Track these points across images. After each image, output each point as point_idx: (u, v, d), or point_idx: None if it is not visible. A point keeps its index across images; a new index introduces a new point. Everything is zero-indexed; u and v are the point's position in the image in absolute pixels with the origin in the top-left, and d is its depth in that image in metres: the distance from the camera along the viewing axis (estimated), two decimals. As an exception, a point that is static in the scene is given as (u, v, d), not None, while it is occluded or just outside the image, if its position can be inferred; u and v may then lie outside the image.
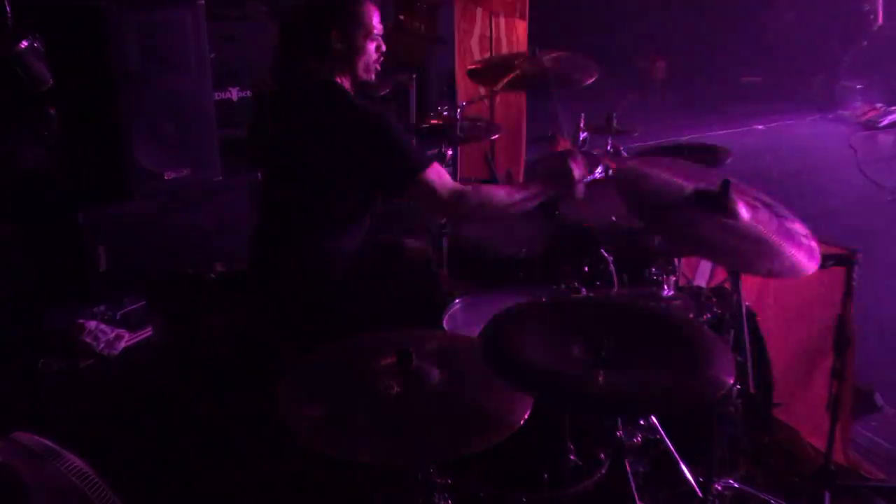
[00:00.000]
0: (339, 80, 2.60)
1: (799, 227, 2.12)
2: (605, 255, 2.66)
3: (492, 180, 4.32)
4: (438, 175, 2.52)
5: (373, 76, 2.68)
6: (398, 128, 2.55)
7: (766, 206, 2.16)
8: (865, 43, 7.68)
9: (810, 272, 1.96)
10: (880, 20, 7.69)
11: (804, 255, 1.99)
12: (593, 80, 3.30)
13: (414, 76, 5.30)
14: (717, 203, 2.05)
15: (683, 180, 2.17)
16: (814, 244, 2.06)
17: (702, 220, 2.06)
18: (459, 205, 2.55)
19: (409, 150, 2.53)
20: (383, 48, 2.69)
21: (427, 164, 2.52)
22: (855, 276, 2.44)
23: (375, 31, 2.62)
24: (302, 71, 2.61)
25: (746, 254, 1.99)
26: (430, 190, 2.50)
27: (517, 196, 2.60)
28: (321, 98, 2.58)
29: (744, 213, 2.06)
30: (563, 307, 2.01)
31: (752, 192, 2.21)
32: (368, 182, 2.56)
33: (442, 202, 2.53)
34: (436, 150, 3.80)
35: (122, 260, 3.87)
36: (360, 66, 2.62)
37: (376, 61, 2.66)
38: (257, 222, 2.84)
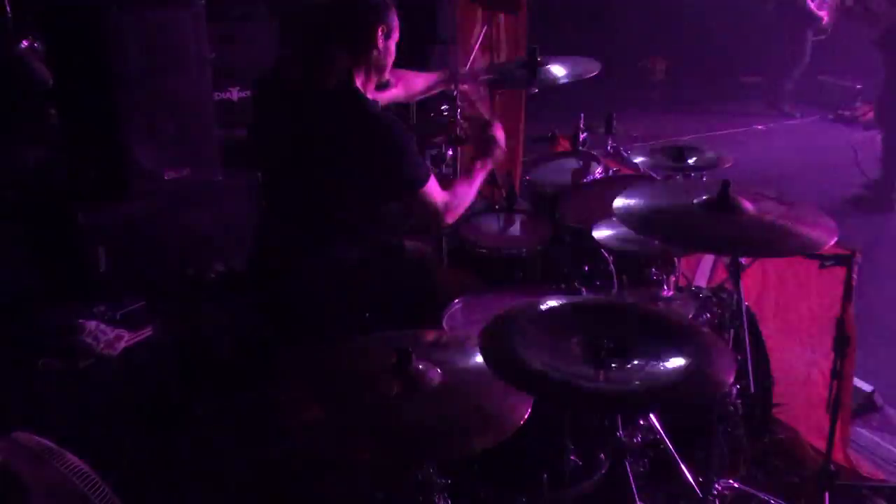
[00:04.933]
0: (359, 83, 2.57)
1: (809, 209, 2.19)
2: (605, 255, 2.66)
3: (492, 180, 4.32)
4: (434, 188, 2.63)
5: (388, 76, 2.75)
6: (409, 138, 2.57)
7: (770, 197, 2.22)
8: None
9: (830, 244, 2.03)
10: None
11: (819, 231, 2.05)
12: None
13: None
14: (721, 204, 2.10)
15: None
16: (829, 221, 2.11)
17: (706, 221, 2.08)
18: (448, 212, 2.70)
19: (415, 162, 2.58)
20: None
21: (427, 178, 2.59)
22: (855, 276, 2.44)
23: (396, 34, 2.64)
24: (327, 71, 2.57)
25: (756, 240, 2.07)
26: (427, 202, 2.62)
27: (470, 182, 2.82)
28: (339, 105, 2.54)
29: (748, 206, 2.10)
30: (563, 307, 2.00)
31: (754, 188, 2.23)
32: (369, 188, 2.57)
33: (436, 213, 2.67)
34: (435, 151, 3.79)
35: (121, 260, 3.87)
36: (388, 68, 2.66)
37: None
38: (258, 223, 2.84)
